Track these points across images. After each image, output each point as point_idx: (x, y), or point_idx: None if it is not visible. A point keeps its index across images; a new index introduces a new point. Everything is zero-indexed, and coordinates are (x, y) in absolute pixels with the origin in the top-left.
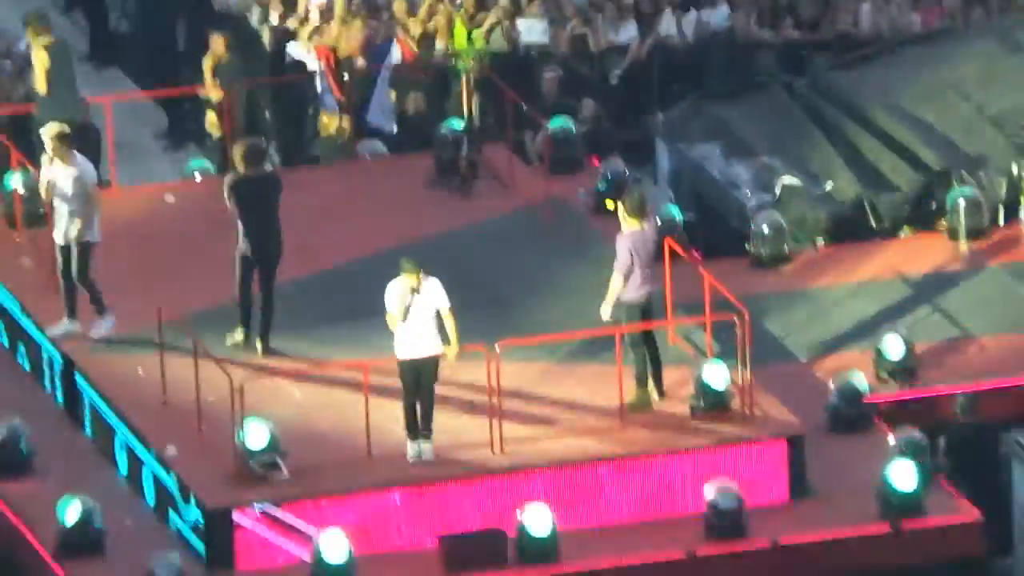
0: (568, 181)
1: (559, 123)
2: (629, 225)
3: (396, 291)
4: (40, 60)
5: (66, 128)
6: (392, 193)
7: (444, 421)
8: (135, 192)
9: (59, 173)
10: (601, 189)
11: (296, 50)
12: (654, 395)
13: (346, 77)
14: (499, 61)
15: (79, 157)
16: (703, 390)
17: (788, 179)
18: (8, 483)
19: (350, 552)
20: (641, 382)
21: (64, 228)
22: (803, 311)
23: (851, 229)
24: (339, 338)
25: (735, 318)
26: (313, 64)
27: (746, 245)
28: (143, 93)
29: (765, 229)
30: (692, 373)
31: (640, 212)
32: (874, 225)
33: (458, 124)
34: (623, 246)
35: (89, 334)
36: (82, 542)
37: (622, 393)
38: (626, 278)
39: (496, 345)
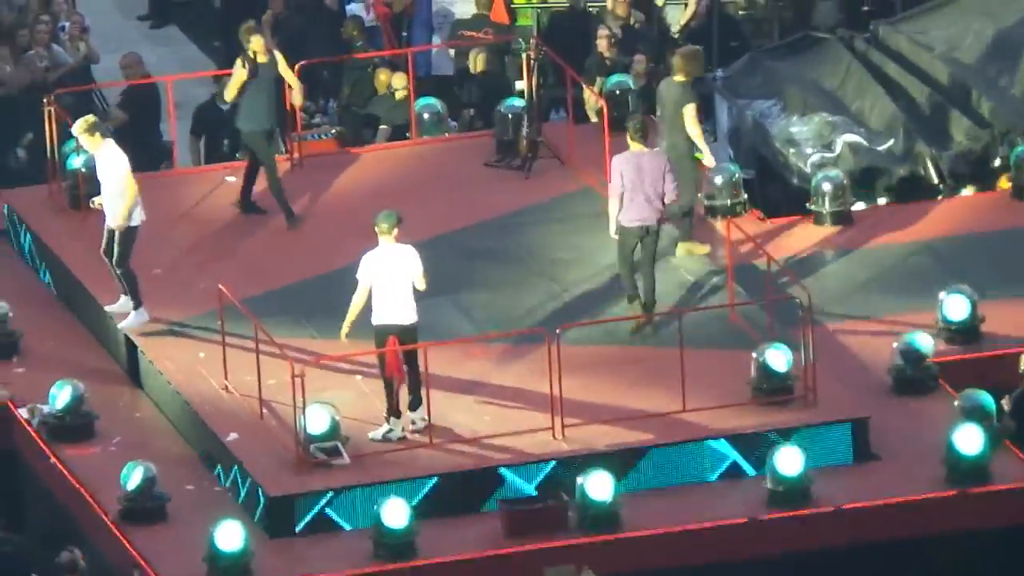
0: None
1: (615, 80)
2: (631, 148)
3: (369, 258)
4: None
5: (95, 118)
6: (452, 173)
7: (504, 405)
8: (198, 172)
9: (98, 160)
10: None
11: (354, 6)
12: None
13: (404, 33)
14: (558, 19)
15: (112, 145)
16: (765, 374)
17: (849, 136)
18: (71, 448)
19: (411, 518)
20: (630, 299)
21: (108, 212)
22: (865, 270)
23: (913, 187)
24: None
25: (798, 299)
26: (370, 19)
27: (807, 203)
28: (209, 73)
29: (826, 187)
30: (754, 356)
31: (639, 136)
32: (936, 183)
33: (519, 102)
34: (615, 167)
35: (119, 325)
36: (145, 509)
37: (683, 376)
38: (620, 200)
39: (556, 329)
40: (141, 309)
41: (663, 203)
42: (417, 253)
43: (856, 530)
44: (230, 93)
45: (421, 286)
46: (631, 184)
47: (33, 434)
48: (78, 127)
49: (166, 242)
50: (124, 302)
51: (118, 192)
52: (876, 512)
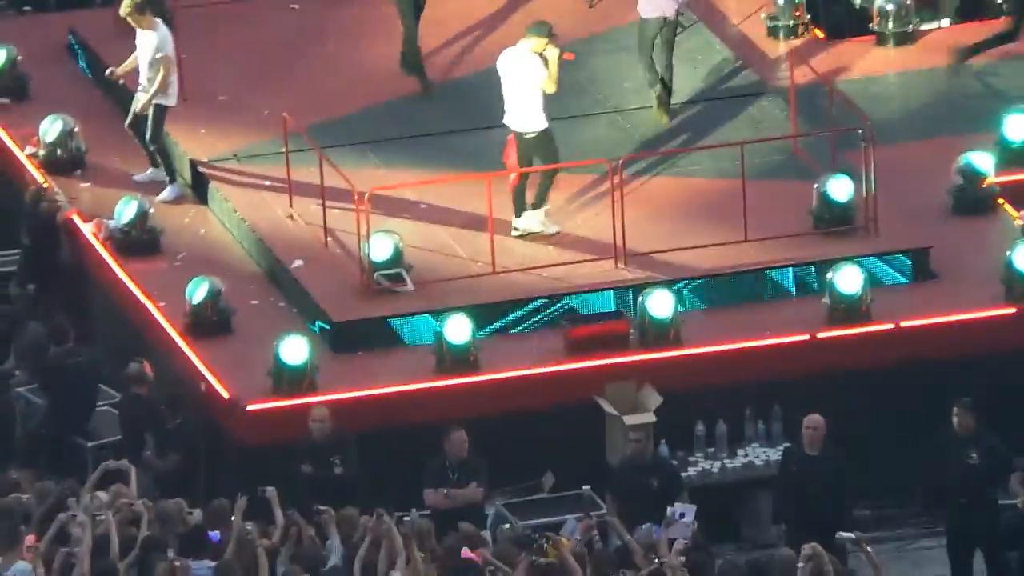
0: None
1: None
2: None
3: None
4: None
5: None
6: (508, 2)
7: (567, 234)
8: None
9: (140, 39)
10: None
11: None
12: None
13: None
14: None
15: (159, 23)
16: (826, 203)
17: None
18: (138, 263)
19: (473, 334)
20: (651, 84)
21: (143, 89)
22: (927, 91)
23: (977, 6)
24: (460, 148)
25: (859, 131)
26: None
27: (870, 23)
28: None
29: (889, 6)
30: (815, 187)
31: None
32: (1000, 1)
33: None
34: None
35: (156, 199)
36: (210, 322)
37: (745, 207)
38: None
39: (619, 159)
40: (177, 182)
41: None
42: (548, 58)
43: (914, 347)
44: None
45: (550, 89)
46: None
47: (100, 247)
48: (124, 7)
49: (230, 68)
50: (153, 173)
51: (158, 70)
52: (934, 329)
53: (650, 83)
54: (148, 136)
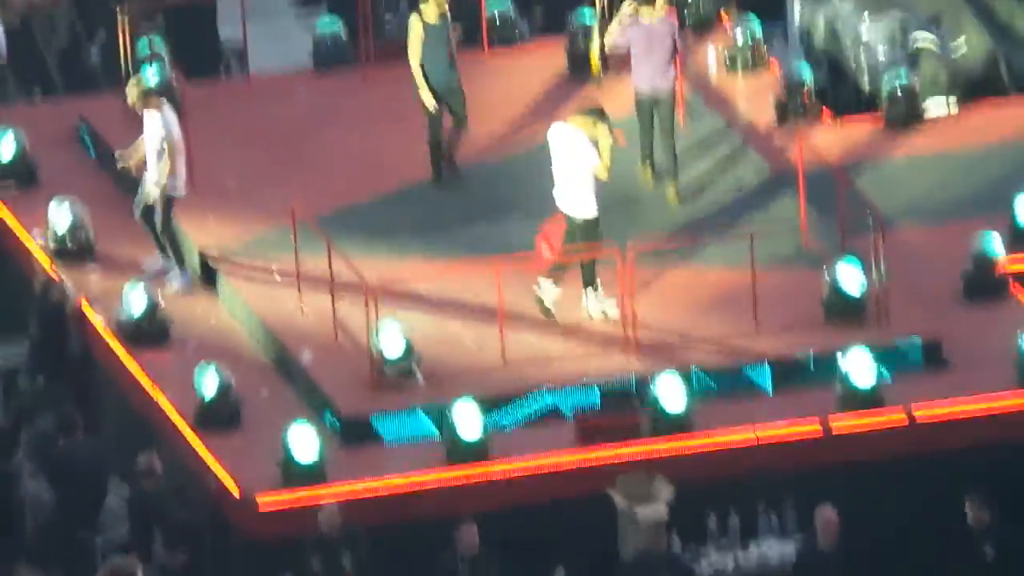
0: (702, 38)
1: None
2: (640, 16)
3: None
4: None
5: (148, 82)
6: (523, 85)
7: (577, 324)
8: (269, 82)
9: (147, 123)
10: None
11: None
12: (649, 175)
13: None
14: None
15: (166, 106)
16: (836, 292)
17: (922, 35)
18: (146, 353)
19: (484, 427)
20: (644, 159)
21: (150, 178)
22: (936, 173)
23: (985, 87)
24: (474, 237)
25: (869, 219)
26: None
27: (878, 106)
28: None
29: (897, 89)
30: (825, 277)
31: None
32: (1008, 83)
33: (590, 16)
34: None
35: (166, 291)
36: (220, 413)
37: (755, 298)
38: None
39: (628, 246)
40: (187, 272)
41: (674, 70)
42: (600, 143)
43: (928, 437)
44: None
45: (603, 176)
46: (642, 52)
47: (109, 338)
48: (130, 93)
49: (240, 153)
50: (163, 262)
51: (163, 156)
52: (948, 416)
53: (652, 166)
54: (159, 228)
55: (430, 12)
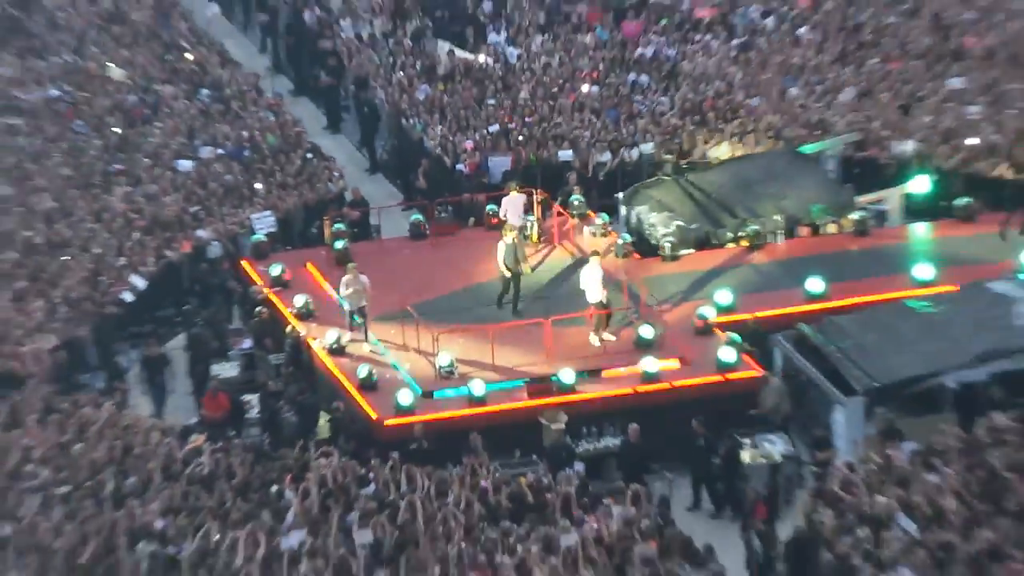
0: (583, 222)
1: (575, 199)
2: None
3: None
4: None
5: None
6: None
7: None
8: (391, 243)
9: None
10: (596, 226)
11: None
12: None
13: None
14: (541, 169)
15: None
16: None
17: (677, 222)
18: (337, 359)
19: (485, 391)
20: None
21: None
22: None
23: (706, 243)
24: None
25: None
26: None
27: (659, 251)
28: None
29: (666, 242)
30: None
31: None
32: (718, 243)
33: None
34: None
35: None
36: (368, 384)
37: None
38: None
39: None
40: (357, 327)
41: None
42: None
43: (678, 394)
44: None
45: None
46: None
47: (321, 352)
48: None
49: (377, 277)
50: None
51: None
52: (689, 384)
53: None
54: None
55: (507, 233)
